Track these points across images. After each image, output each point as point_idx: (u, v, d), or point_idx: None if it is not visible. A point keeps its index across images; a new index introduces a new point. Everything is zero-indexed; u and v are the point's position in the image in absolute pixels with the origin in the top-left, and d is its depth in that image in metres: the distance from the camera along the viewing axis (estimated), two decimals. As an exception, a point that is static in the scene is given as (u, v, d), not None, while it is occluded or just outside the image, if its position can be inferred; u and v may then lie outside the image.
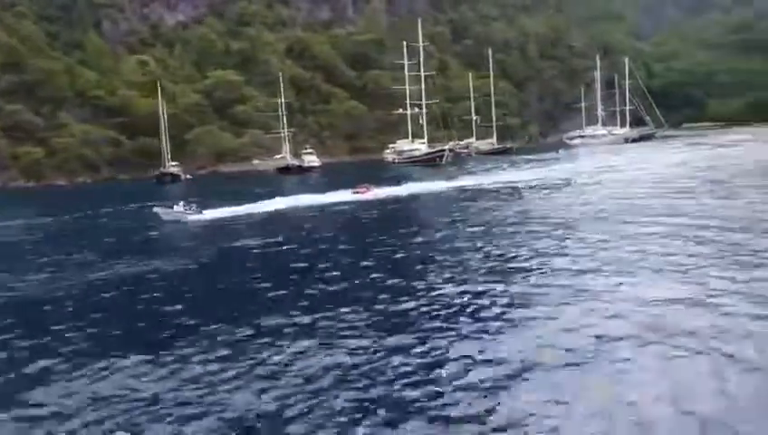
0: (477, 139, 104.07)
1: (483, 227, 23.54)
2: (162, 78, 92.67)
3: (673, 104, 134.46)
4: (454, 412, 8.20)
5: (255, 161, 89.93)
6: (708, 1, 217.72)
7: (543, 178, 44.81)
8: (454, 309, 12.90)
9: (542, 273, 15.35)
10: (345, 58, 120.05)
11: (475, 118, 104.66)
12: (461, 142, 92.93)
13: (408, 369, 9.77)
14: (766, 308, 11.22)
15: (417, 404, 8.52)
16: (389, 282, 15.72)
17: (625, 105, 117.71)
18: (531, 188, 38.83)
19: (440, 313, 12.71)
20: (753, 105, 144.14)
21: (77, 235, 31.84)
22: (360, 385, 9.27)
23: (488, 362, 9.80)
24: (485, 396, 8.62)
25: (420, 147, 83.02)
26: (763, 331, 10.26)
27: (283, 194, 41.71)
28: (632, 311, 11.75)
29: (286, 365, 10.23)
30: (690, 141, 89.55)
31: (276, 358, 10.58)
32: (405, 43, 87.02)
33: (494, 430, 7.73)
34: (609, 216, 24.20)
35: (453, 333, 11.41)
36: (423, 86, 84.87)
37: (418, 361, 10.06)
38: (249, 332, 12.17)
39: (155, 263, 20.45)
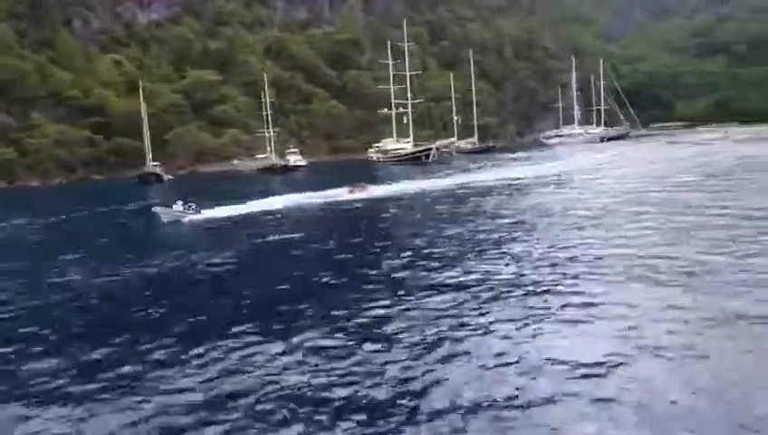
0: (458, 138, 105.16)
1: (496, 222, 23.37)
2: (139, 78, 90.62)
3: (642, 105, 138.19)
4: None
5: (235, 161, 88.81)
6: (672, 6, 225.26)
7: (543, 175, 45.30)
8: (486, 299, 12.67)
9: (563, 269, 14.81)
10: (324, 58, 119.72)
11: (456, 118, 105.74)
12: (444, 142, 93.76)
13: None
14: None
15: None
16: (416, 277, 15.18)
17: (600, 105, 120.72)
18: (529, 184, 39.24)
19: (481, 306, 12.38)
20: (718, 105, 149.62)
21: (95, 234, 30.58)
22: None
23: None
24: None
25: (406, 146, 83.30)
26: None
27: (276, 194, 41.08)
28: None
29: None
30: (666, 140, 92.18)
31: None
32: (389, 42, 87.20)
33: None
34: (619, 210, 24.32)
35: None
36: (409, 85, 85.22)
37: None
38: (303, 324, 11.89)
39: (193, 258, 20.07)
